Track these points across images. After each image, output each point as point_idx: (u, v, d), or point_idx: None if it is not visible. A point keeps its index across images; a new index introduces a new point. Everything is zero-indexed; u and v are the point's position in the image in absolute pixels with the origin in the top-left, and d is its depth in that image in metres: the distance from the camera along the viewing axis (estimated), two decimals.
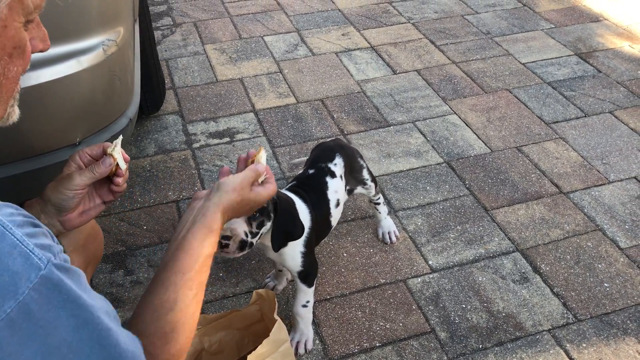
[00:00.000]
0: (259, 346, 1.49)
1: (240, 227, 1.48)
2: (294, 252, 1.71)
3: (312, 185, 1.86)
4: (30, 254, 0.71)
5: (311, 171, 1.91)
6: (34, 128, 1.47)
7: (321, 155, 1.96)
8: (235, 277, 2.08)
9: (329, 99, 3.01)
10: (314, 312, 1.95)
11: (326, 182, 1.88)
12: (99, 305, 0.79)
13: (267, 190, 1.28)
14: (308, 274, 1.76)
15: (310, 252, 1.75)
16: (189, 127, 2.81)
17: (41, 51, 0.93)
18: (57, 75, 1.48)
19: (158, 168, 2.57)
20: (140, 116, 2.81)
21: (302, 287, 1.79)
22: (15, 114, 0.92)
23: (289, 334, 1.85)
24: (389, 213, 2.32)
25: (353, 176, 2.00)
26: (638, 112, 2.90)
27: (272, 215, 1.55)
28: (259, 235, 1.54)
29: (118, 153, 1.25)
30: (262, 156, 1.34)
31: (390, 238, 2.19)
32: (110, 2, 1.65)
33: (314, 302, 1.98)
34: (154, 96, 2.72)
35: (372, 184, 2.06)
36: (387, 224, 2.21)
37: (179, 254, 1.06)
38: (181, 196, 2.42)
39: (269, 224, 1.56)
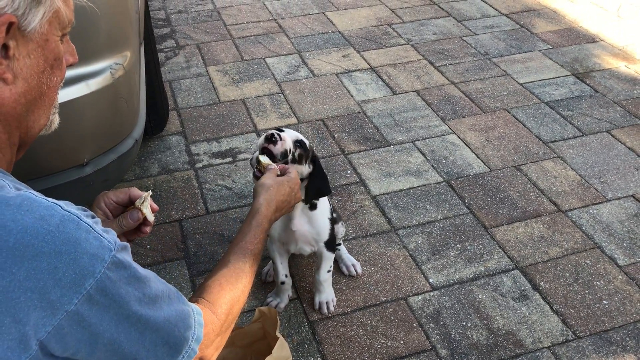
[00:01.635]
0: None
1: (289, 139, 1.65)
2: (323, 220, 1.87)
3: None
4: (102, 237, 0.82)
5: None
6: (43, 149, 1.51)
7: None
8: None
9: (329, 119, 3.06)
10: (315, 330, 1.97)
11: None
12: (151, 275, 0.92)
13: (292, 172, 1.53)
14: (333, 240, 1.93)
15: (333, 221, 1.93)
16: (192, 148, 2.85)
17: (71, 65, 1.01)
18: (67, 97, 1.52)
19: (161, 188, 2.61)
20: (144, 137, 2.85)
21: (327, 254, 1.94)
22: (56, 122, 1.02)
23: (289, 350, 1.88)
24: (390, 231, 2.36)
25: None
26: (635, 131, 2.94)
27: (310, 165, 1.74)
28: (295, 162, 1.67)
29: (147, 207, 1.25)
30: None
31: (356, 270, 2.18)
32: (119, 26, 1.70)
33: (315, 321, 2.00)
34: (158, 117, 2.77)
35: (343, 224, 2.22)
36: (348, 257, 2.22)
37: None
38: (184, 215, 2.45)
39: (304, 169, 1.71)
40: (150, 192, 1.29)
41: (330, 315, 2.02)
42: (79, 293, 0.79)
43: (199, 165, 2.74)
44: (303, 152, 1.70)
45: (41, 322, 0.77)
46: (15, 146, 0.94)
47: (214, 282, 1.17)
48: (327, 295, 2.04)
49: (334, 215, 2.13)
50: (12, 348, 0.75)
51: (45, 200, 0.81)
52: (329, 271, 1.99)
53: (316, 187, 1.77)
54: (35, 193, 0.82)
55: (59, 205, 0.81)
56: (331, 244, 1.94)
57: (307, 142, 1.73)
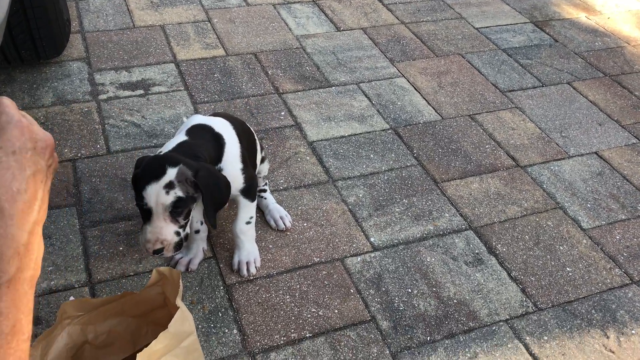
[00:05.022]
0: (154, 341, 1.14)
1: (169, 232, 1.39)
2: (234, 171, 1.54)
3: (227, 115, 1.71)
4: None
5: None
6: None
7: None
8: (138, 252, 1.71)
9: (263, 53, 2.65)
10: (231, 296, 1.61)
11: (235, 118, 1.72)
12: None
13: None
14: (250, 187, 1.60)
15: (247, 165, 1.58)
16: (96, 76, 2.39)
17: None
18: None
19: (54, 121, 2.15)
20: (37, 61, 2.36)
21: (245, 202, 1.61)
22: None
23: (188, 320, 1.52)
24: (327, 182, 2.01)
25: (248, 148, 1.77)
26: (597, 84, 2.69)
27: (196, 196, 1.40)
28: (189, 221, 1.44)
29: None
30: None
31: (285, 223, 1.83)
32: None
33: (233, 285, 1.65)
34: (52, 36, 2.27)
35: (266, 164, 1.87)
36: (277, 207, 1.87)
37: None
38: (79, 154, 2.02)
39: (195, 204, 1.43)
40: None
41: (251, 277, 1.67)
42: None
43: (102, 96, 2.29)
44: (186, 207, 1.39)
45: None
46: None
47: None
48: (248, 253, 1.69)
49: (261, 154, 1.79)
50: None
51: None
52: (248, 222, 1.65)
53: (213, 205, 1.42)
54: None
55: None
56: (249, 190, 1.60)
57: (183, 193, 1.35)
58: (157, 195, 1.34)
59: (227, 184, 1.45)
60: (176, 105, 2.28)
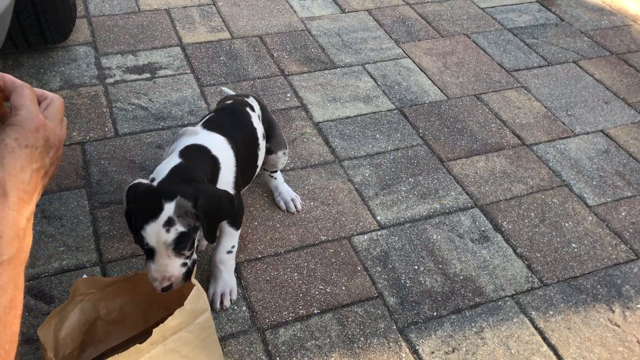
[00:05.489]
0: (170, 317, 1.17)
1: (175, 267, 1.27)
2: None
3: (233, 116, 1.58)
4: None
5: (229, 102, 1.66)
6: None
7: (232, 97, 1.74)
8: None
9: (268, 35, 2.65)
10: (240, 274, 1.64)
11: (248, 112, 1.63)
12: None
13: (27, 106, 0.80)
14: (237, 214, 1.49)
15: (238, 191, 1.48)
16: (103, 60, 2.40)
17: None
18: None
19: None
20: (43, 45, 2.38)
21: (229, 230, 1.51)
22: None
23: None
24: (334, 162, 2.02)
25: (272, 134, 1.74)
26: (603, 62, 2.68)
27: (198, 225, 1.28)
28: (195, 248, 1.33)
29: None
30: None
31: (295, 206, 1.84)
32: None
33: (241, 263, 1.67)
34: (59, 21, 2.28)
35: (286, 153, 1.80)
36: (287, 189, 1.86)
37: None
38: (88, 137, 2.04)
39: (199, 232, 1.31)
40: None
41: (259, 256, 1.69)
42: None
43: (109, 80, 2.30)
44: (189, 238, 1.26)
45: None
46: None
47: None
48: (224, 284, 1.55)
49: (275, 146, 1.75)
50: None
51: None
52: (229, 252, 1.53)
53: (213, 226, 1.33)
54: None
55: None
56: (235, 218, 1.49)
57: (184, 227, 1.23)
58: (158, 234, 1.22)
59: (230, 199, 1.33)
60: (183, 88, 2.30)
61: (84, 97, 2.20)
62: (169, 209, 1.21)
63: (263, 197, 1.87)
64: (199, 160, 1.37)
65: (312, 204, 1.87)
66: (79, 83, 2.27)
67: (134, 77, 2.33)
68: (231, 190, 1.43)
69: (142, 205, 1.23)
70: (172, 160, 1.34)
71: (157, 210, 1.21)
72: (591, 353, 1.52)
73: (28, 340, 1.44)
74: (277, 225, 1.80)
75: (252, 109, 1.66)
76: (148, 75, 2.35)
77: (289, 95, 2.32)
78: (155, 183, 1.28)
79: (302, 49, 2.59)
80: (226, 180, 1.43)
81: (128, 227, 1.32)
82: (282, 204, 1.85)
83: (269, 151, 1.73)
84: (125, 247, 1.68)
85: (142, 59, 2.43)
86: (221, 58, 2.48)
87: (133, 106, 2.19)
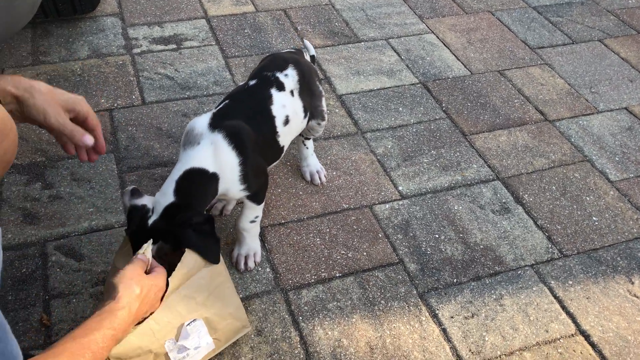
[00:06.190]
0: (179, 264, 1.24)
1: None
2: (236, 193, 1.45)
3: (250, 102, 1.52)
4: None
5: (252, 82, 1.56)
6: None
7: (270, 65, 1.62)
8: None
9: (292, 9, 2.67)
10: (264, 237, 1.67)
11: (270, 96, 1.52)
12: None
13: (159, 274, 1.20)
14: (257, 193, 1.50)
15: (249, 179, 1.44)
16: (130, 31, 2.44)
17: None
18: None
19: (90, 73, 2.21)
20: (72, 14, 2.42)
21: (251, 204, 1.52)
22: None
23: (232, 251, 1.59)
24: (356, 133, 2.05)
25: (311, 104, 1.67)
26: (629, 41, 2.66)
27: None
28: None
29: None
30: (148, 250, 1.23)
31: (320, 178, 1.86)
32: None
33: (265, 227, 1.70)
34: None
35: (326, 120, 1.76)
36: (315, 162, 1.88)
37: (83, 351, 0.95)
38: (115, 104, 2.08)
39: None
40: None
41: (283, 222, 1.72)
42: None
43: (136, 50, 2.34)
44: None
45: None
46: None
47: None
48: (248, 248, 1.60)
49: (325, 116, 1.72)
50: None
51: None
52: (252, 222, 1.55)
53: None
54: None
55: None
56: (256, 196, 1.50)
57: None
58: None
59: (215, 241, 1.33)
60: (208, 59, 2.32)
61: (112, 66, 2.24)
62: (152, 250, 1.27)
63: (286, 166, 1.90)
64: (195, 191, 1.35)
65: (334, 173, 1.90)
66: (106, 52, 2.31)
67: (160, 47, 2.36)
68: (239, 185, 1.42)
69: (133, 237, 1.31)
70: (168, 195, 1.33)
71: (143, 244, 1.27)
72: (609, 322, 1.53)
73: (60, 295, 1.49)
74: (300, 192, 1.83)
75: (281, 87, 1.55)
76: (174, 46, 2.38)
77: None
78: (150, 218, 1.31)
79: (326, 23, 2.60)
80: (232, 182, 1.41)
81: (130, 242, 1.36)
82: (307, 175, 1.87)
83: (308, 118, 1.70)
84: None
85: (168, 31, 2.46)
86: (245, 31, 2.50)
87: (159, 75, 2.22)
